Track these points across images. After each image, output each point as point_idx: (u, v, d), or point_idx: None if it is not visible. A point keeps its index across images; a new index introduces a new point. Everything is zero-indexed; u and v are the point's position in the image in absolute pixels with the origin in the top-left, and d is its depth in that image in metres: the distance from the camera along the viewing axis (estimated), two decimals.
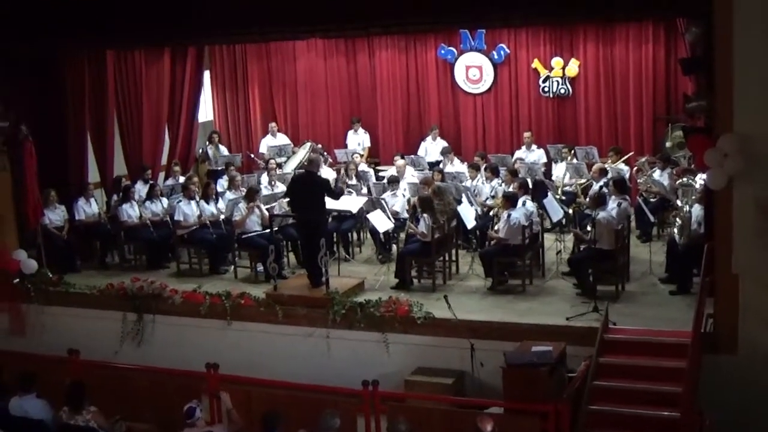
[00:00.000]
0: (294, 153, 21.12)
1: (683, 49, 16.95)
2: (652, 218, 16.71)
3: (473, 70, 21.34)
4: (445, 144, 21.01)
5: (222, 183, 19.30)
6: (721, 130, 11.84)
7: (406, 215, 16.87)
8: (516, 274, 15.39)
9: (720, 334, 12.27)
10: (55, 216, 17.49)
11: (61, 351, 13.64)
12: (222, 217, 17.42)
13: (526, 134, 20.16)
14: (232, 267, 16.99)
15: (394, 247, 16.95)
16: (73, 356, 13.35)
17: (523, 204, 15.61)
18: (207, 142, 21.90)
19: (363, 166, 20.05)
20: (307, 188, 15.32)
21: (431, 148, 21.07)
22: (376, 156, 22.21)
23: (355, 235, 18.33)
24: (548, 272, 15.93)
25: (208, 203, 17.53)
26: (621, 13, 14.92)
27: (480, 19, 15.52)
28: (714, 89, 12.15)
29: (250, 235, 16.60)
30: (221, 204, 17.73)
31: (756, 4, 11.48)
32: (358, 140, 21.96)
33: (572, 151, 19.13)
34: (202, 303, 15.18)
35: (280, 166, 20.19)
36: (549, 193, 16.58)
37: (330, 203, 15.75)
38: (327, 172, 19.13)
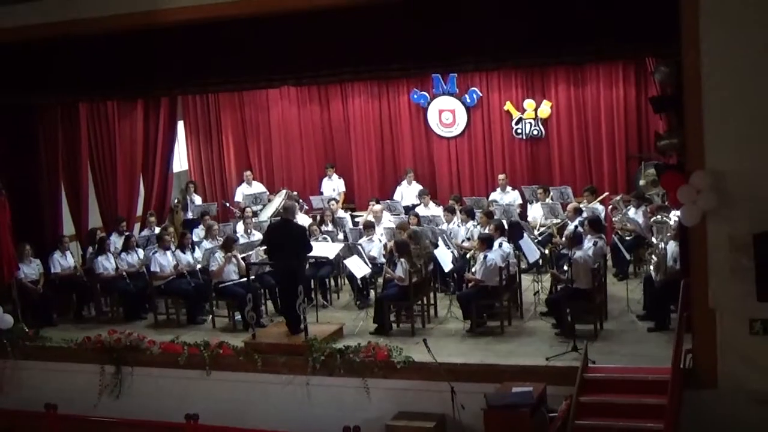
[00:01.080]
0: (270, 201, 21.13)
1: (653, 88, 17.11)
2: (628, 256, 16.80)
3: (446, 113, 21.48)
4: (420, 187, 21.08)
5: (198, 232, 19.25)
6: (693, 167, 11.92)
7: (383, 260, 16.87)
8: (494, 316, 15.38)
9: (699, 370, 12.28)
10: (31, 270, 17.36)
11: (38, 406, 13.56)
12: (199, 266, 17.36)
13: (501, 176, 20.27)
14: (210, 316, 16.90)
15: (372, 292, 16.92)
16: (51, 411, 13.26)
17: (500, 245, 15.65)
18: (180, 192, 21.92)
19: (339, 212, 20.07)
20: (283, 235, 15.32)
21: (407, 192, 21.14)
22: (351, 201, 22.25)
23: (332, 282, 18.29)
24: (526, 313, 15.93)
25: (184, 253, 17.47)
26: (591, 55, 15.05)
27: (451, 63, 15.58)
28: (685, 127, 12.24)
29: (227, 284, 16.54)
30: (198, 253, 17.68)
31: (722, 42, 11.60)
32: (333, 186, 21.98)
33: (548, 192, 19.19)
34: (181, 353, 15.06)
35: (256, 214, 20.17)
36: (525, 234, 16.63)
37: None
38: (303, 219, 19.12)
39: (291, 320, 15.14)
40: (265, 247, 16.76)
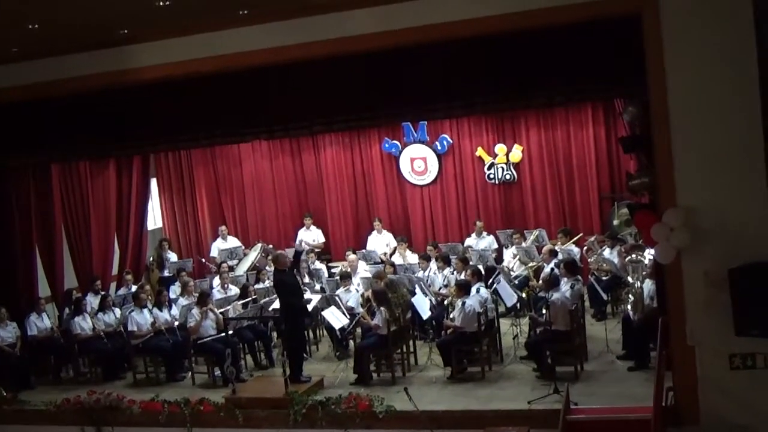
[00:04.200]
0: (245, 255, 21.11)
1: (623, 128, 17.29)
2: (605, 296, 16.85)
3: (418, 161, 21.58)
4: (390, 236, 21.15)
5: (174, 289, 19.18)
6: (665, 205, 12.01)
7: (361, 310, 16.83)
8: (475, 361, 15.37)
9: (681, 407, 12.29)
10: (7, 333, 17.20)
11: None
12: (176, 323, 17.29)
13: (478, 223, 20.33)
14: (189, 373, 16.79)
15: (351, 342, 16.88)
16: None
17: (477, 291, 15.67)
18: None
19: (316, 264, 20.06)
20: (291, 279, 15.57)
21: (377, 240, 21.15)
22: (327, 252, 22.24)
23: (311, 333, 18.23)
24: (506, 357, 15.93)
25: (161, 310, 17.39)
26: (560, 98, 15.21)
27: (421, 112, 15.70)
28: (655, 165, 12.35)
29: (205, 339, 16.47)
30: (175, 310, 17.61)
31: (688, 81, 11.76)
32: (312, 237, 21.97)
33: (522, 236, 19.25)
34: (161, 412, 14.94)
35: (231, 269, 20.14)
36: (501, 279, 16.66)
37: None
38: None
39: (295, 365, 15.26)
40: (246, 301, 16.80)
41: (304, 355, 16.98)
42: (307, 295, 17.51)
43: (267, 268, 19.42)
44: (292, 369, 15.24)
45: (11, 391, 16.48)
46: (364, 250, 20.54)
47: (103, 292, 18.77)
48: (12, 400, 16.29)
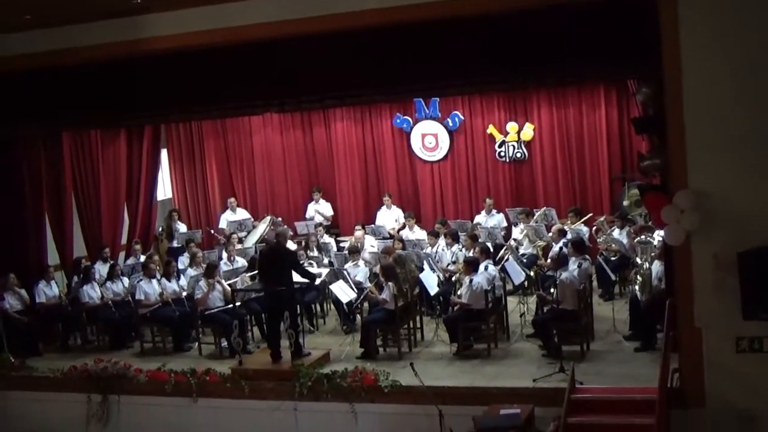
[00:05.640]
0: (254, 227, 21.11)
1: (635, 109, 17.23)
2: (613, 277, 16.84)
3: (429, 138, 21.53)
4: (399, 211, 21.14)
5: (183, 260, 19.21)
6: (676, 187, 11.98)
7: (368, 284, 16.84)
8: (481, 339, 15.38)
9: (687, 389, 12.31)
10: (16, 300, 17.28)
11: None
12: (184, 294, 17.33)
13: (488, 200, 20.28)
14: (196, 344, 16.85)
15: (358, 317, 16.91)
16: None
17: (485, 268, 15.66)
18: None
19: (324, 238, 20.06)
20: (274, 260, 15.33)
21: (386, 216, 21.15)
22: (336, 226, 22.23)
23: (318, 307, 18.27)
24: (513, 335, 15.96)
25: (170, 281, 17.43)
26: (573, 77, 15.15)
27: (433, 88, 15.68)
28: (667, 147, 12.31)
29: (213, 311, 16.52)
30: (183, 281, 17.65)
31: (704, 62, 11.70)
32: (321, 210, 21.96)
33: (530, 216, 19.20)
34: (167, 381, 15.03)
35: (240, 240, 20.17)
36: (510, 256, 16.65)
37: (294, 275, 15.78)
38: (288, 245, 19.11)
39: (275, 346, 15.13)
40: (256, 272, 16.76)
41: (311, 329, 17.10)
42: (315, 269, 17.52)
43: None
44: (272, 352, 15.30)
45: (19, 358, 16.56)
46: (372, 225, 20.54)
47: (111, 261, 18.81)
48: (20, 367, 16.38)
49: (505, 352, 15.22)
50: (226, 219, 21.83)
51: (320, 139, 22.73)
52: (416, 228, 20.06)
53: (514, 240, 18.78)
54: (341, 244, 20.26)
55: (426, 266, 16.92)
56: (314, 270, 17.41)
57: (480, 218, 20.13)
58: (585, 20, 12.88)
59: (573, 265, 15.16)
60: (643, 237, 15.70)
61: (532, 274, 17.00)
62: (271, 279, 15.34)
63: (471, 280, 15.24)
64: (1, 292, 16.95)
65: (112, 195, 20.05)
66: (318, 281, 17.05)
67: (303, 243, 19.66)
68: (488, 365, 14.60)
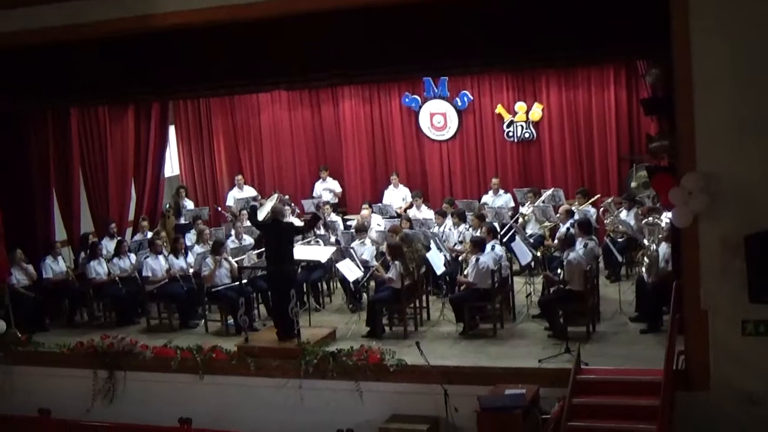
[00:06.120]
0: (261, 205, 21.08)
1: (645, 90, 17.17)
2: (620, 258, 16.84)
3: (437, 117, 21.48)
4: (407, 190, 21.12)
5: (190, 237, 19.23)
6: (684, 169, 11.95)
7: (375, 263, 16.84)
8: (487, 318, 15.40)
9: (692, 371, 12.31)
10: (23, 275, 17.31)
11: (31, 411, 13.58)
12: (191, 271, 17.35)
13: (494, 180, 20.25)
14: (203, 321, 16.88)
15: (365, 295, 16.93)
16: (45, 416, 13.26)
17: (492, 248, 15.65)
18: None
19: (331, 216, 20.07)
20: (274, 238, 15.33)
21: (393, 195, 21.12)
22: (343, 205, 22.22)
23: (325, 285, 18.29)
24: (519, 315, 15.97)
25: (177, 258, 17.45)
26: (582, 58, 15.08)
27: (442, 67, 15.65)
28: (676, 129, 12.27)
29: (219, 288, 16.54)
30: (190, 258, 17.67)
31: (713, 44, 11.64)
32: (328, 187, 21.95)
33: (537, 196, 19.17)
34: (173, 358, 15.08)
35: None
36: (517, 237, 16.63)
37: (299, 253, 15.77)
38: (294, 223, 19.11)
39: (281, 324, 15.14)
40: (261, 251, 16.79)
41: (317, 307, 17.14)
42: (322, 247, 17.54)
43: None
44: (278, 329, 15.32)
45: (26, 333, 16.60)
46: (380, 204, 20.53)
47: (118, 238, 18.84)
48: (26, 342, 16.44)
49: (510, 332, 15.23)
50: (233, 196, 21.84)
51: (328, 118, 22.69)
52: (423, 207, 20.05)
53: (522, 215, 18.78)
54: (348, 223, 20.26)
55: (433, 245, 16.92)
56: (320, 247, 17.43)
57: (487, 198, 20.10)
58: (595, 1, 12.82)
59: (579, 245, 15.14)
60: (650, 219, 15.68)
61: (538, 254, 16.98)
62: (270, 258, 15.36)
63: (477, 260, 15.24)
64: (8, 268, 16.93)
65: (120, 171, 20.05)
66: (324, 258, 17.06)
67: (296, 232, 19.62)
68: (494, 345, 14.61)
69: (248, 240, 18.43)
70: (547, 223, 18.36)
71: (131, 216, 20.58)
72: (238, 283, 16.16)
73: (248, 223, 19.12)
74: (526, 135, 20.76)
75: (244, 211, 19.70)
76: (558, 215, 17.91)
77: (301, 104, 22.75)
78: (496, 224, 17.18)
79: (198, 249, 17.91)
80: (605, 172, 20.15)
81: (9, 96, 16.45)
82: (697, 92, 11.80)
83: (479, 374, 13.32)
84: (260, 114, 23.16)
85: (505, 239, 16.63)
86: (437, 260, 16.43)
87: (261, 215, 19.69)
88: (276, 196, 20.69)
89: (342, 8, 13.75)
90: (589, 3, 12.88)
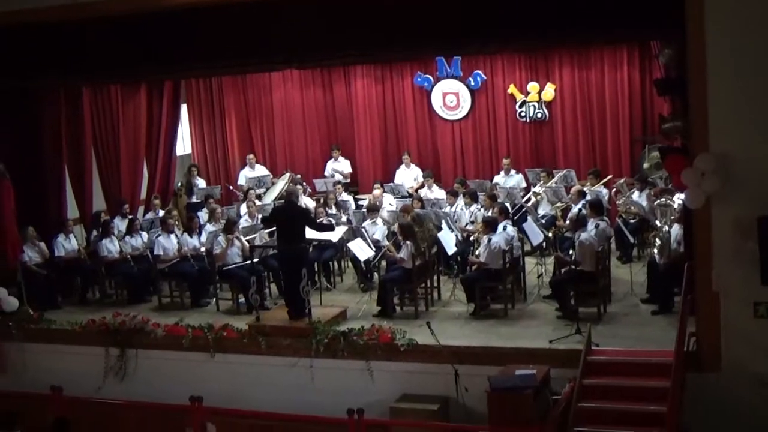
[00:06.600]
0: (273, 184, 21.12)
1: (658, 70, 17.10)
2: (631, 239, 16.80)
3: (450, 96, 21.43)
4: (418, 170, 21.09)
5: (202, 216, 19.25)
6: (697, 150, 11.90)
7: (386, 243, 16.83)
8: (498, 299, 15.40)
9: (703, 353, 12.30)
10: (35, 253, 17.37)
11: (43, 388, 13.61)
12: (203, 249, 17.37)
13: (505, 160, 20.22)
14: (214, 299, 16.92)
15: (376, 275, 16.93)
16: (57, 393, 13.30)
17: (504, 229, 15.63)
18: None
19: (343, 195, 20.06)
20: (287, 218, 15.33)
21: (405, 175, 21.10)
22: (354, 184, 22.21)
23: (336, 264, 18.31)
24: (530, 296, 15.96)
25: (192, 237, 17.49)
26: (595, 38, 15.00)
27: (455, 46, 15.60)
28: (689, 109, 12.23)
29: (231, 266, 16.56)
30: (202, 237, 17.69)
31: (727, 25, 11.59)
32: (340, 167, 21.94)
33: (551, 176, 19.13)
34: (185, 336, 15.11)
35: (259, 197, 20.19)
36: (529, 217, 16.61)
37: (311, 233, 15.76)
38: (306, 202, 19.14)
39: (293, 303, 15.15)
40: (272, 230, 16.80)
41: (329, 286, 17.16)
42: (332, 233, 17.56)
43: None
44: (289, 309, 15.34)
45: (38, 310, 16.66)
46: (391, 184, 20.52)
47: (130, 216, 18.87)
48: (38, 319, 16.48)
49: (521, 312, 15.23)
50: (245, 175, 21.84)
51: (340, 97, 22.66)
52: (435, 187, 20.03)
53: (535, 194, 18.75)
54: (360, 202, 20.27)
55: (444, 225, 16.90)
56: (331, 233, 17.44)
57: (499, 178, 20.07)
58: None
59: (591, 226, 15.11)
60: (662, 200, 15.64)
61: (550, 235, 16.96)
62: (282, 238, 15.36)
63: (489, 240, 15.23)
64: (21, 246, 16.97)
65: (132, 150, 20.08)
66: (336, 238, 17.07)
67: (321, 200, 19.68)
68: (505, 325, 14.61)
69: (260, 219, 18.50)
70: (558, 204, 18.31)
71: (143, 194, 20.61)
72: (249, 261, 16.17)
73: (259, 202, 19.21)
74: (539, 115, 20.70)
75: (252, 190, 19.73)
76: (570, 196, 17.87)
77: (313, 83, 22.73)
78: (507, 204, 17.15)
79: (210, 228, 17.92)
80: (617, 152, 20.08)
81: (22, 73, 16.42)
82: (710, 72, 11.74)
83: (490, 354, 13.31)
84: (272, 93, 23.13)
85: (519, 209, 16.63)
86: (449, 240, 16.41)
87: (272, 196, 19.78)
88: (288, 175, 20.73)
89: None
90: None
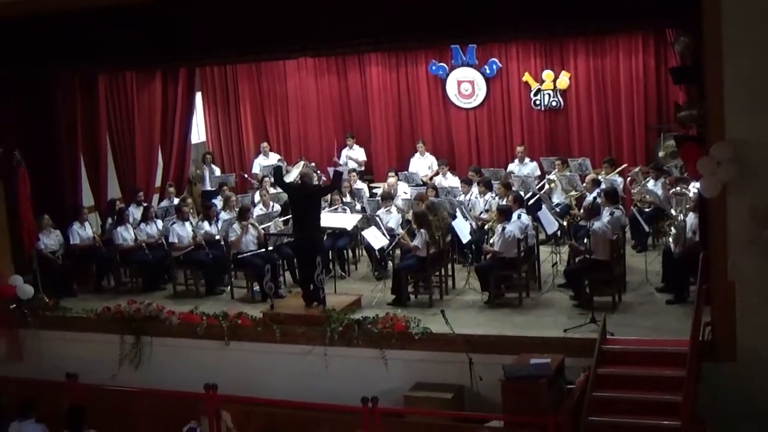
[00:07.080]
0: (287, 172, 21.07)
1: (673, 58, 17.01)
2: (647, 228, 16.73)
3: (465, 84, 21.38)
4: (433, 158, 21.06)
5: (216, 203, 19.26)
6: (713, 139, 11.86)
7: (401, 231, 16.83)
8: (512, 288, 15.38)
9: (718, 342, 12.27)
10: (51, 241, 17.42)
11: (59, 375, 13.67)
12: (217, 237, 17.39)
13: (519, 148, 20.19)
14: (229, 287, 16.96)
15: (390, 263, 16.93)
16: (72, 380, 13.36)
17: (518, 217, 15.62)
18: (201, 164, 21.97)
19: (357, 183, 20.06)
20: (302, 202, 15.33)
21: (419, 163, 21.06)
22: (369, 172, 22.20)
23: (350, 253, 18.33)
24: (544, 285, 15.94)
25: (209, 225, 17.52)
26: (610, 25, 14.92)
27: (470, 34, 15.56)
28: (705, 98, 12.17)
29: (246, 254, 16.59)
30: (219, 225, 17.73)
31: (744, 13, 11.53)
32: (355, 155, 21.93)
33: (566, 164, 19.08)
34: (199, 324, 15.14)
35: (273, 185, 20.17)
36: (543, 206, 16.58)
37: (325, 220, 15.77)
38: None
39: (308, 291, 15.16)
40: (287, 218, 16.83)
41: (343, 274, 17.16)
42: (348, 214, 17.54)
43: None
44: (305, 296, 15.34)
45: (53, 298, 16.71)
46: (406, 172, 20.51)
47: (145, 204, 18.90)
48: (54, 307, 16.54)
49: (536, 301, 15.22)
50: (259, 164, 21.87)
51: (355, 85, 22.65)
52: (449, 175, 20.01)
53: (549, 181, 18.72)
54: (374, 191, 20.26)
55: (458, 214, 16.90)
56: (346, 215, 17.42)
57: (513, 167, 20.04)
58: None
59: (606, 215, 15.09)
60: (678, 188, 15.59)
61: (564, 223, 16.93)
62: (297, 224, 15.37)
63: (503, 229, 15.21)
64: (36, 233, 17.02)
65: (147, 138, 20.12)
66: (350, 226, 17.05)
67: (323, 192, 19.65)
68: (519, 314, 14.61)
69: (275, 207, 18.46)
70: (573, 193, 18.29)
71: (158, 182, 20.65)
72: (264, 249, 16.20)
73: (273, 190, 19.20)
74: (554, 103, 20.65)
75: (267, 178, 19.70)
76: (584, 184, 17.84)
77: (328, 71, 22.72)
78: (522, 193, 17.12)
79: (224, 215, 17.96)
80: (632, 141, 20.02)
81: (37, 62, 16.41)
82: (726, 61, 11.69)
83: (504, 343, 13.31)
84: (287, 80, 23.13)
85: (531, 206, 16.60)
86: (463, 228, 16.39)
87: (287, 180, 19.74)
88: (302, 163, 20.68)
89: None
90: None
